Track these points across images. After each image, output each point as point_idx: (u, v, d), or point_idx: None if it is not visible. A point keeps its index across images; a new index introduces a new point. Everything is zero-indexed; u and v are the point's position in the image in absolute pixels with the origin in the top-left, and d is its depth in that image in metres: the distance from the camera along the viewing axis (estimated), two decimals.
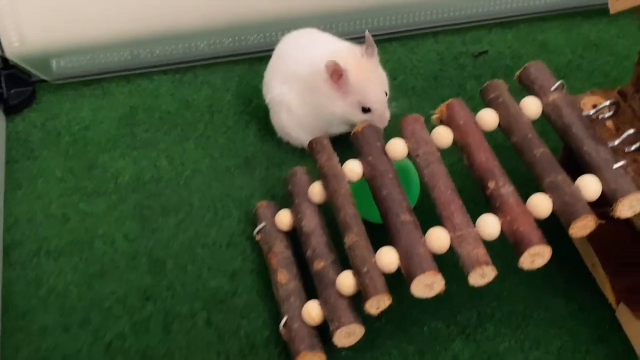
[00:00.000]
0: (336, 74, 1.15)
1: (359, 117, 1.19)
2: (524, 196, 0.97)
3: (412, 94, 1.44)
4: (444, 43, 1.55)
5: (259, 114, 1.39)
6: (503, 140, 1.08)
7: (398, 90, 1.43)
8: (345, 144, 1.16)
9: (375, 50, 1.19)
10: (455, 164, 1.20)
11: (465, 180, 1.13)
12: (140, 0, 1.41)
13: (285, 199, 1.16)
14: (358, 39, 1.38)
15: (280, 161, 1.31)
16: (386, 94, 1.20)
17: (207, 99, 1.43)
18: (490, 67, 1.48)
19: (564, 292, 1.11)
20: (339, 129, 1.25)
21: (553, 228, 0.96)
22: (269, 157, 1.32)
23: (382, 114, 1.19)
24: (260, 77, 1.33)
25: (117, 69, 1.46)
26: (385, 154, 1.08)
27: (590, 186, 0.95)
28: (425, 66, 1.49)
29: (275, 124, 1.30)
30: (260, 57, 1.46)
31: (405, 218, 0.99)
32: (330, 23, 1.50)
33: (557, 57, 1.50)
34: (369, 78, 1.18)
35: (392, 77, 1.43)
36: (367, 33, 1.17)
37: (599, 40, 1.54)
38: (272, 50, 1.30)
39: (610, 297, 1.08)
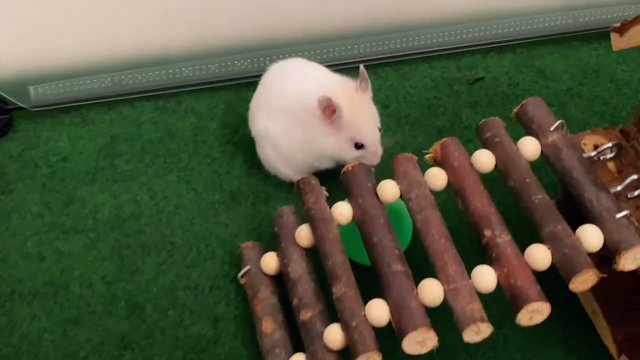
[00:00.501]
0: (329, 109, 1.11)
1: (351, 154, 1.15)
2: (522, 244, 0.93)
3: (405, 123, 1.39)
4: (438, 68, 1.50)
5: (245, 144, 1.34)
6: (501, 179, 1.03)
7: (391, 119, 1.39)
8: (334, 180, 1.11)
9: (369, 85, 1.14)
10: (449, 199, 1.15)
11: (461, 219, 1.09)
12: (121, 24, 1.37)
13: (273, 238, 1.11)
14: (350, 64, 1.34)
15: (267, 196, 1.27)
16: (379, 130, 1.15)
17: (192, 127, 1.39)
18: (487, 94, 1.44)
19: (563, 342, 1.07)
20: (326, 165, 1.20)
21: (551, 272, 0.90)
22: (256, 192, 1.27)
23: (375, 151, 1.15)
24: (247, 103, 1.28)
25: (97, 95, 1.42)
26: (377, 196, 1.03)
27: (591, 237, 0.91)
28: (419, 93, 1.45)
29: (261, 158, 1.25)
30: (248, 83, 1.41)
31: (396, 268, 0.94)
32: (320, 48, 1.46)
33: (555, 84, 1.46)
34: (363, 114, 1.14)
35: (385, 105, 1.40)
36: (361, 68, 1.13)
37: (598, 66, 1.50)
38: (259, 75, 1.26)
39: (612, 348, 1.04)
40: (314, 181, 1.09)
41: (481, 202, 0.98)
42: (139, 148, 1.35)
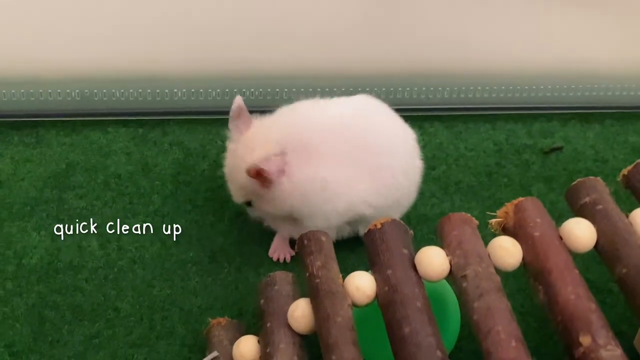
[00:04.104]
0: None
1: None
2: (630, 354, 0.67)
3: (456, 191, 1.13)
4: (503, 131, 1.26)
5: None
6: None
7: (437, 184, 1.14)
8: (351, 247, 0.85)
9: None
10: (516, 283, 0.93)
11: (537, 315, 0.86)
12: (98, 24, 1.16)
13: (258, 316, 0.84)
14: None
15: (261, 261, 1.01)
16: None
17: (175, 164, 1.15)
18: (566, 169, 1.18)
19: None
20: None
21: None
22: (245, 254, 1.02)
23: None
24: None
25: (60, 112, 1.22)
26: (415, 268, 0.75)
27: None
28: (476, 157, 1.20)
29: None
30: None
31: None
32: (349, 87, 1.23)
33: None
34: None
35: (431, 166, 1.17)
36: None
37: None
38: (271, 110, 1.02)
39: None
40: (325, 238, 0.80)
41: (575, 294, 0.70)
42: (101, 182, 1.11)
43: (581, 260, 0.95)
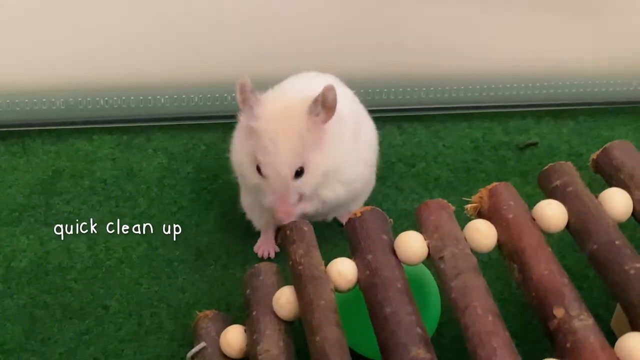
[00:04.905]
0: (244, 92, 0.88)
1: (249, 173, 0.91)
2: (607, 333, 0.68)
3: (435, 186, 1.15)
4: (480, 129, 1.28)
5: (225, 193, 1.11)
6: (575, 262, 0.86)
7: (417, 180, 1.16)
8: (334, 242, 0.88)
9: (334, 111, 0.88)
10: (493, 265, 0.96)
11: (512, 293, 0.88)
12: (81, 34, 1.17)
13: (243, 307, 0.85)
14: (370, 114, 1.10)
15: (246, 258, 1.02)
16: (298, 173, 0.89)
17: (159, 168, 1.16)
18: (541, 163, 1.20)
19: None
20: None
21: None
22: (230, 252, 1.03)
23: (277, 196, 0.89)
24: None
25: (46, 121, 1.22)
26: (394, 252, 0.76)
27: None
28: (454, 154, 1.22)
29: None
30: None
31: (418, 354, 0.65)
32: None
33: None
34: (287, 136, 0.87)
35: (410, 164, 1.19)
36: (326, 87, 0.87)
37: None
38: None
39: None
40: (307, 227, 0.81)
41: (548, 270, 0.72)
42: (87, 187, 1.12)
43: (557, 247, 0.98)
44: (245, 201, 1.00)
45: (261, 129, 0.86)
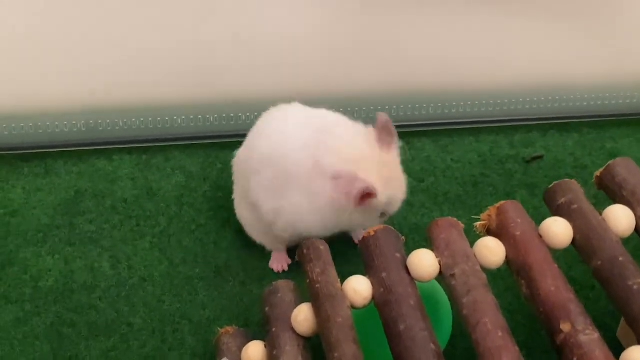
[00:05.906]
0: (367, 197, 0.91)
1: (374, 222, 0.95)
2: (613, 348, 0.69)
3: (445, 201, 1.17)
4: (487, 143, 1.30)
5: None
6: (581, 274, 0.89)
7: (426, 195, 1.18)
8: (347, 258, 0.90)
9: (396, 139, 0.96)
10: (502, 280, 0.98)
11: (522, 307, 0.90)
12: (99, 58, 1.19)
13: (263, 324, 0.86)
14: None
15: (263, 274, 1.04)
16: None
17: (178, 187, 1.18)
18: (547, 176, 1.22)
19: None
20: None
21: None
22: (248, 268, 1.05)
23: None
24: None
25: (67, 142, 1.24)
26: (407, 270, 0.79)
27: None
28: (462, 168, 1.23)
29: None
30: None
31: None
32: (340, 107, 1.24)
33: None
34: (394, 182, 0.96)
35: (419, 179, 1.21)
36: (381, 116, 0.94)
37: None
38: None
39: None
40: (323, 247, 0.84)
41: (555, 286, 0.74)
42: (108, 207, 1.14)
43: (564, 260, 1.00)
44: (254, 232, 1.04)
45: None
